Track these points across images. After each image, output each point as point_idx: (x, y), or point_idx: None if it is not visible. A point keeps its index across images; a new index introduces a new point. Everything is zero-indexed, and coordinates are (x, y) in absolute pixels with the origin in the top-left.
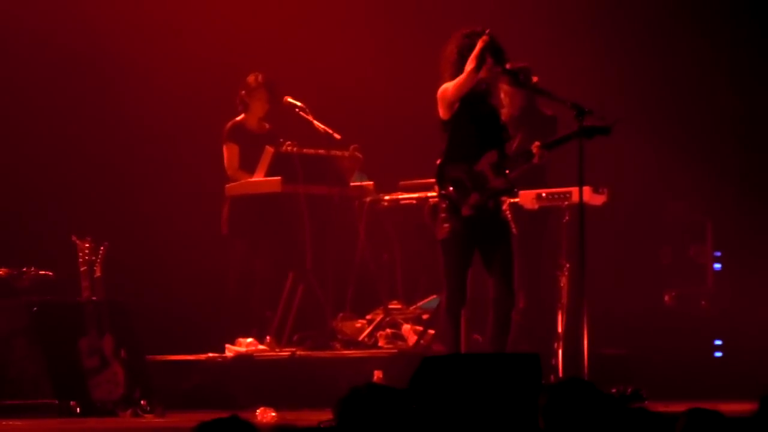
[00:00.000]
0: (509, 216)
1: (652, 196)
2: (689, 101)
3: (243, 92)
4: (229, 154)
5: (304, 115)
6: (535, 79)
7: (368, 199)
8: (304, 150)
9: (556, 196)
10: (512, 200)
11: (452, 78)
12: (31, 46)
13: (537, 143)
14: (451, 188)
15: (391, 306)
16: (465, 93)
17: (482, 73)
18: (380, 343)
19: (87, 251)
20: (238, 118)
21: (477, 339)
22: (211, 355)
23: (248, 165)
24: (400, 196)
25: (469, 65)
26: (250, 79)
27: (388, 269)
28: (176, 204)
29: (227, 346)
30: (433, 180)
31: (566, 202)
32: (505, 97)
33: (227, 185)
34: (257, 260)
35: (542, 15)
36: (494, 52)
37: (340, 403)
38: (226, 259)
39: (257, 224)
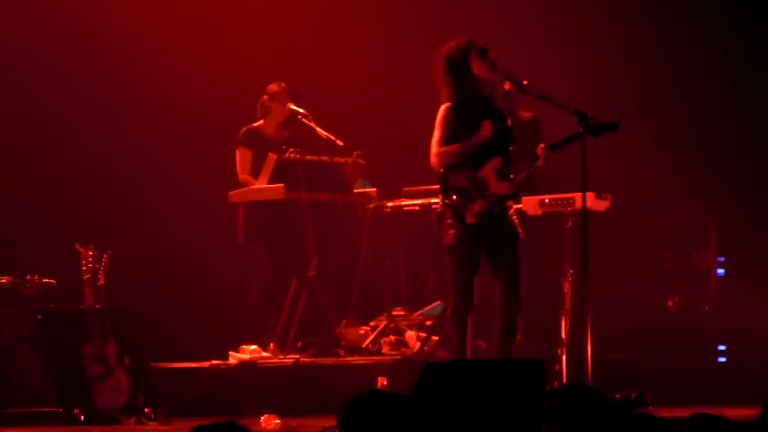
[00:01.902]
0: (516, 221)
1: (656, 202)
2: (692, 106)
3: (266, 97)
4: (241, 158)
5: (307, 122)
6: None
7: (371, 205)
8: (307, 157)
9: (559, 202)
10: (516, 206)
11: (452, 79)
12: (36, 51)
13: (541, 145)
14: (454, 197)
15: (394, 312)
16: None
17: (483, 73)
18: (384, 350)
19: (90, 259)
20: (255, 124)
21: (480, 345)
22: (214, 362)
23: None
24: (404, 203)
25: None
26: (273, 85)
27: (391, 276)
28: (179, 211)
29: (231, 353)
30: (436, 186)
31: (569, 208)
32: None
33: (231, 192)
34: (274, 266)
35: (543, 17)
36: (481, 50)
37: (343, 410)
38: (230, 266)
39: (270, 230)
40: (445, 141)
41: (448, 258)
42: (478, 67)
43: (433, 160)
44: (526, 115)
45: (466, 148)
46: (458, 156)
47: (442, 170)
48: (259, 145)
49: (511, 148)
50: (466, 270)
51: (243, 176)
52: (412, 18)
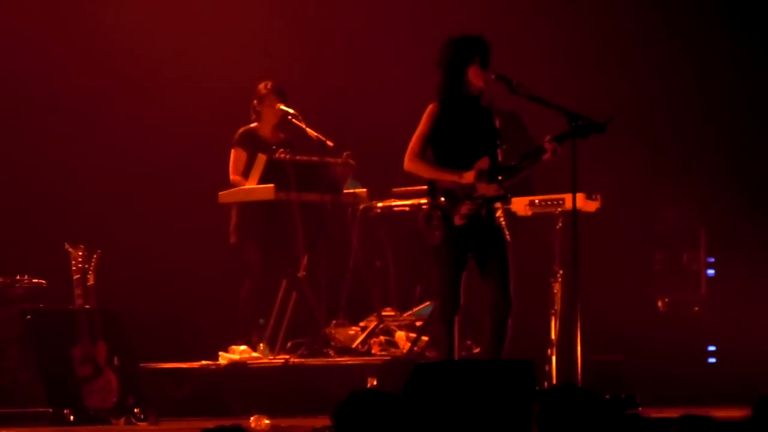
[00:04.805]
0: (503, 222)
1: (646, 203)
2: (682, 107)
3: (255, 101)
4: (235, 159)
5: (297, 122)
6: None
7: (361, 206)
8: (297, 157)
9: (549, 203)
10: (505, 207)
11: (443, 76)
12: (27, 49)
13: (547, 137)
14: (442, 199)
15: (384, 313)
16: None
17: (478, 82)
18: (374, 350)
19: (80, 259)
20: (252, 125)
21: (470, 345)
22: (204, 362)
23: None
24: (393, 203)
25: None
26: (260, 87)
27: (381, 276)
28: (169, 212)
29: (221, 353)
30: (426, 187)
31: (559, 209)
32: None
33: (221, 193)
34: (264, 266)
35: (535, 19)
36: (484, 59)
37: (338, 408)
38: (220, 267)
39: (261, 230)
40: (426, 139)
41: (435, 259)
42: (473, 74)
43: (408, 159)
44: (503, 107)
45: (439, 177)
46: (429, 177)
47: (408, 171)
48: (254, 146)
49: (499, 150)
50: (452, 271)
51: (234, 177)
52: (402, 18)
